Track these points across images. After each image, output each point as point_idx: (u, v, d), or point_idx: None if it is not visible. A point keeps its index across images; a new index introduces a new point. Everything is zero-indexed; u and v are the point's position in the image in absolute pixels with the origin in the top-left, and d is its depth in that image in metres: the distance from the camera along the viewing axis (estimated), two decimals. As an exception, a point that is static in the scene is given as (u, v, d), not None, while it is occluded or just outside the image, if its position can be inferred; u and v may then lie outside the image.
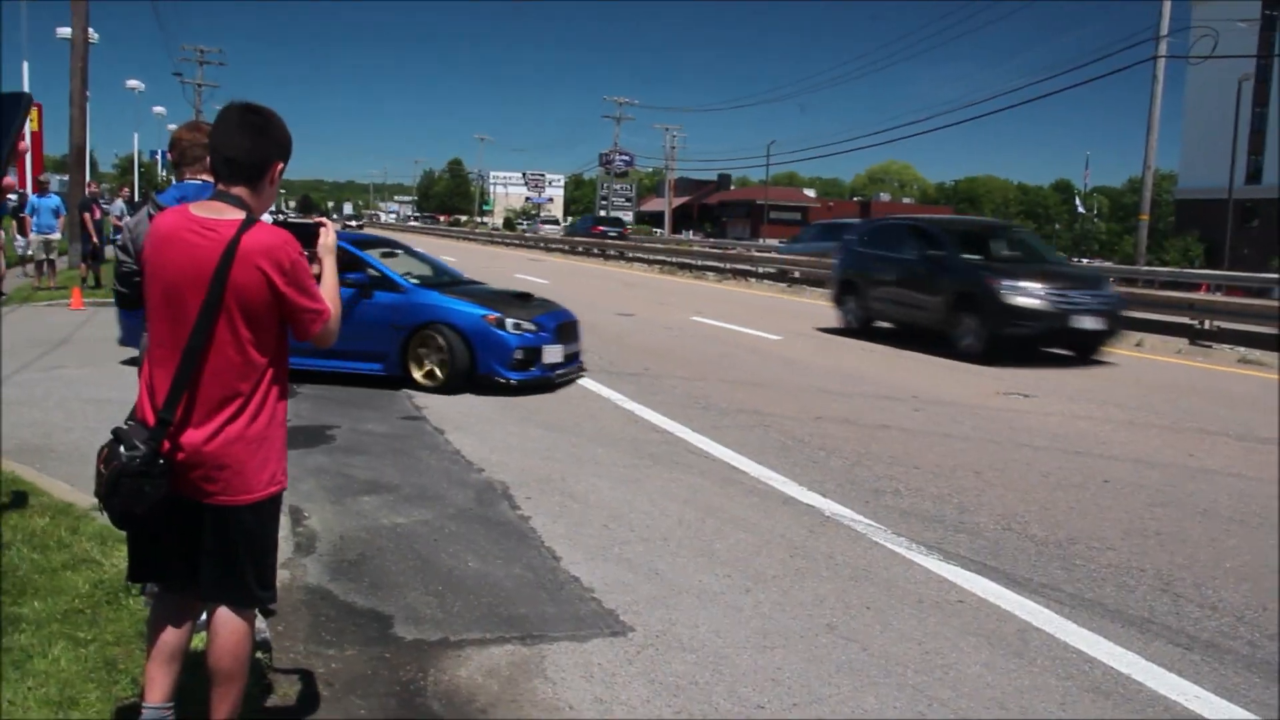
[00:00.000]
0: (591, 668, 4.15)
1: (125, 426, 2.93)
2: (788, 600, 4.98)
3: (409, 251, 13.08)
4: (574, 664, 4.17)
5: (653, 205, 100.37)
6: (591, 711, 3.78)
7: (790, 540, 5.92)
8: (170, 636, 3.10)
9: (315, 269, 3.17)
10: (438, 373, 10.29)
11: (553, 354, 10.61)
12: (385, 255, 12.17)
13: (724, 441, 8.33)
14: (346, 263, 10.52)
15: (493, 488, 6.80)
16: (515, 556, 5.47)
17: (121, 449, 2.86)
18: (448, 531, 5.87)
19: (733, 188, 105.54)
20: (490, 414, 9.30)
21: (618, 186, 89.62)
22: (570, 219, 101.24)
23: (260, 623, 4.26)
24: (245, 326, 2.92)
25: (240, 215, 2.95)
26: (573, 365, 11.31)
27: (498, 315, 10.38)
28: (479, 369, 10.23)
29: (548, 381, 10.59)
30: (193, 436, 2.91)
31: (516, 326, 10.40)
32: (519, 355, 10.31)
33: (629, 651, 4.32)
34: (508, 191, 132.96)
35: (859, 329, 17.17)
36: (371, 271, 10.81)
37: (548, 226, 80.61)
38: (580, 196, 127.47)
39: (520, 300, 11.40)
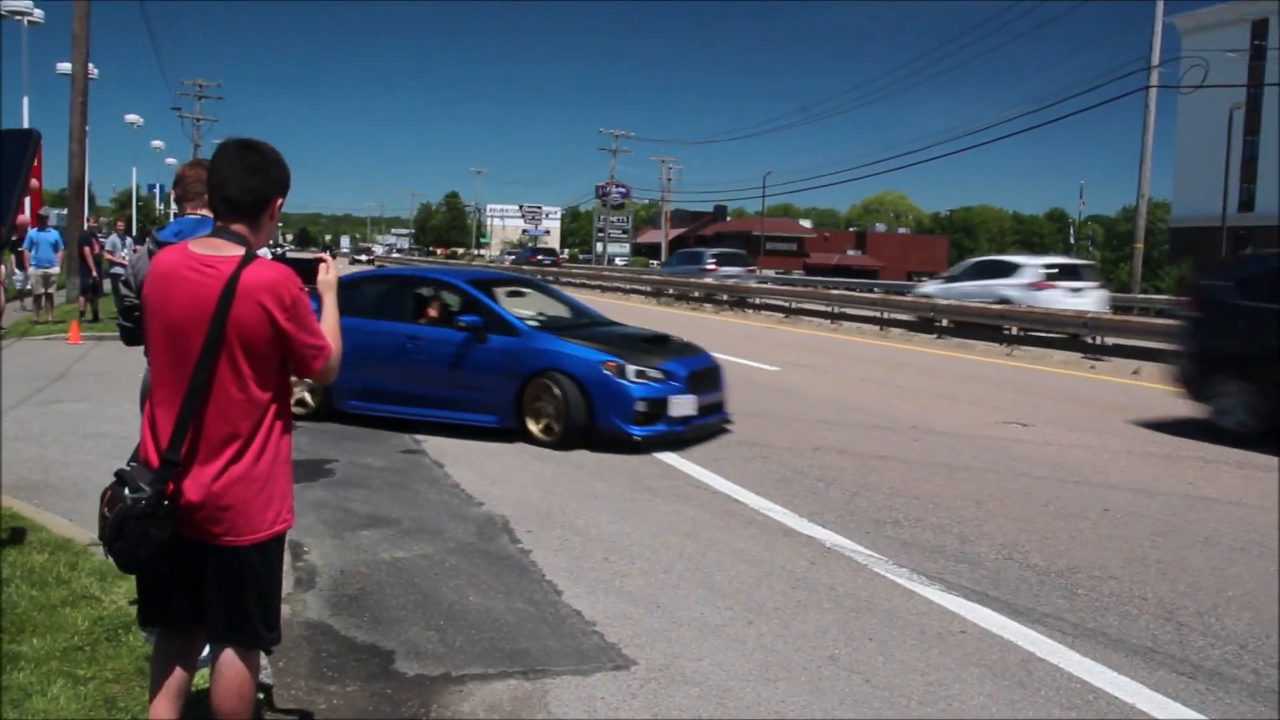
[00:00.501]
0: (594, 702, 4.13)
1: (128, 468, 2.91)
2: (790, 632, 4.97)
3: (542, 289, 12.17)
4: (577, 698, 4.16)
5: (650, 237, 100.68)
6: (595, 746, 3.76)
7: (791, 572, 5.91)
8: (175, 675, 3.09)
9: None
10: (554, 426, 9.26)
11: (682, 406, 9.29)
12: (512, 294, 11.41)
13: (723, 473, 8.32)
14: (462, 304, 10.21)
15: (493, 521, 6.79)
16: (516, 590, 5.46)
17: (126, 491, 2.83)
18: (448, 566, 5.85)
19: (729, 219, 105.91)
20: (489, 447, 9.29)
21: (614, 218, 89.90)
22: (568, 250, 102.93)
23: (261, 660, 4.25)
24: (247, 363, 2.91)
25: (240, 251, 2.94)
26: (711, 418, 9.96)
27: (617, 362, 9.24)
28: (597, 422, 9.12)
29: (677, 437, 9.34)
30: (197, 477, 2.89)
31: (639, 374, 9.22)
32: (641, 407, 9.10)
33: (632, 685, 4.30)
34: (505, 224, 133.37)
35: (1253, 431, 10.26)
36: (487, 313, 9.88)
37: (509, 257, 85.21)
38: (577, 228, 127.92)
39: (654, 344, 10.21)
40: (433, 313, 9.98)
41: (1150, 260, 48.48)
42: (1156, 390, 15.16)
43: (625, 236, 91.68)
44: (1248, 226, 61.45)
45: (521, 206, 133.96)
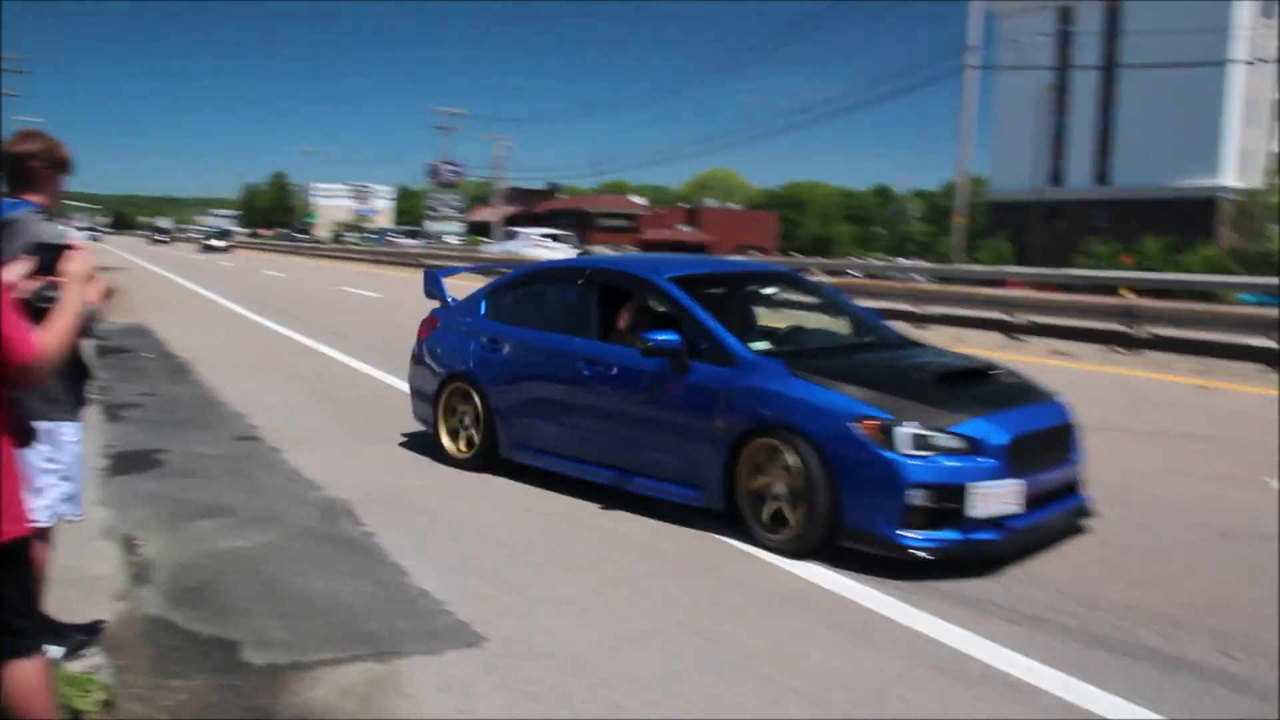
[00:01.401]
0: (449, 680, 4.12)
1: None
2: (640, 601, 5.06)
3: (804, 287, 8.29)
4: (430, 677, 4.14)
5: (484, 215, 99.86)
6: (451, 724, 3.76)
7: (639, 543, 6.01)
8: None
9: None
10: (789, 516, 5.75)
11: (998, 497, 5.47)
12: (753, 297, 7.99)
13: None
14: (663, 312, 7.09)
15: (336, 505, 6.66)
16: (364, 573, 5.39)
17: None
18: (292, 552, 5.73)
19: (562, 196, 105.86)
20: (328, 429, 9.10)
21: (447, 197, 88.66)
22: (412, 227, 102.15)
23: (101, 660, 4.10)
24: None
25: None
26: (1050, 512, 5.89)
27: (880, 418, 5.54)
28: (845, 518, 5.53)
29: (985, 552, 5.52)
30: None
31: (920, 441, 5.49)
32: (918, 499, 5.39)
33: (485, 662, 4.31)
34: (335, 204, 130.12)
35: None
36: (693, 327, 6.52)
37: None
38: (411, 208, 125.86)
39: (958, 382, 6.26)
40: (622, 324, 7.19)
41: (972, 233, 50.70)
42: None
43: (458, 215, 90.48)
44: (1058, 200, 64.87)
45: (350, 185, 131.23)
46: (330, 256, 63.83)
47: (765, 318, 7.73)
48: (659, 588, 5.26)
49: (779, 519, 5.81)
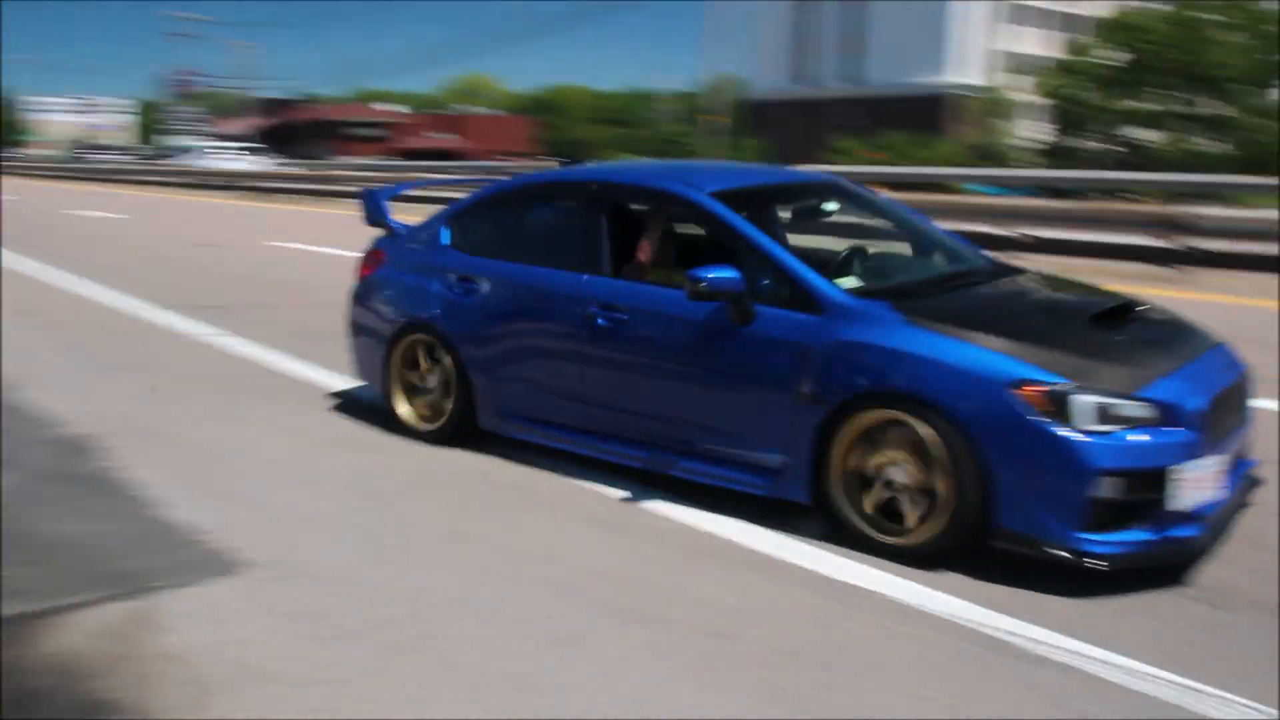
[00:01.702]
0: (212, 610, 4.07)
1: None
2: (409, 513, 5.12)
3: (864, 201, 6.43)
4: (193, 609, 4.07)
5: (232, 127, 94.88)
6: (217, 653, 3.73)
7: (407, 455, 6.03)
8: None
9: None
10: (919, 511, 4.38)
11: (1204, 480, 4.22)
12: (804, 211, 6.41)
13: (326, 365, 8.13)
14: (706, 241, 5.87)
15: (76, 442, 6.31)
16: (110, 510, 5.18)
17: None
18: (30, 495, 5.41)
19: (316, 105, 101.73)
20: (59, 362, 8.56)
21: (189, 110, 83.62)
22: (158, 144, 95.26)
23: None
24: None
25: None
26: (1233, 487, 4.61)
27: (1051, 382, 4.16)
28: (1000, 517, 4.19)
29: (1187, 550, 4.23)
30: None
31: (1102, 412, 4.13)
32: (1107, 489, 4.07)
33: (246, 587, 4.27)
34: (59, 119, 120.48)
35: None
36: (757, 260, 5.03)
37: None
38: (155, 122, 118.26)
39: (1107, 325, 4.76)
40: (643, 257, 5.56)
41: (735, 133, 51.96)
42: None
43: (203, 128, 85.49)
44: (814, 99, 67.10)
45: (77, 98, 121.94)
46: (61, 177, 59.22)
47: (795, 239, 5.92)
48: (429, 497, 5.34)
49: (897, 517, 4.45)
